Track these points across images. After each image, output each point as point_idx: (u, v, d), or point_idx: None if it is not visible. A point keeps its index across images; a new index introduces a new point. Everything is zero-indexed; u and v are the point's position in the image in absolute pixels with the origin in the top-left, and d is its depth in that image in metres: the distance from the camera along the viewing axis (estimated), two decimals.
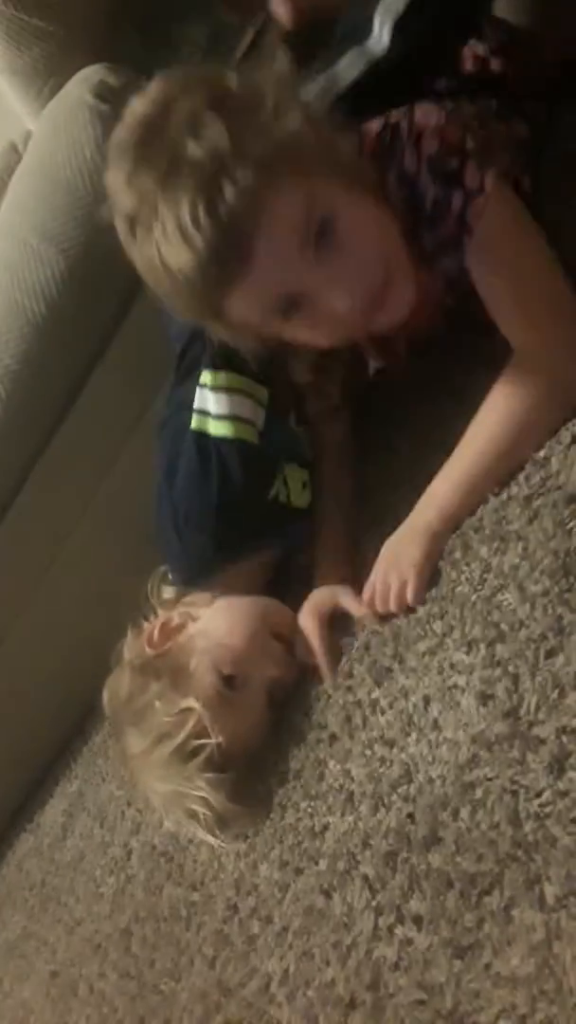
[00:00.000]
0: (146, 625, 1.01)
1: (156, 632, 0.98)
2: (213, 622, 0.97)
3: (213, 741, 0.85)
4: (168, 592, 1.06)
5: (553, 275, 0.79)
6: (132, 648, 0.99)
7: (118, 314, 1.21)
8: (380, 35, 0.86)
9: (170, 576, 1.07)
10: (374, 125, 0.82)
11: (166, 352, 1.13)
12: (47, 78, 1.28)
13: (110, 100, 1.10)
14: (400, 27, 0.84)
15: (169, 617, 1.00)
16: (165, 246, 0.72)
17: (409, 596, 0.78)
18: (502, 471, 0.76)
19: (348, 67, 0.88)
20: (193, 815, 0.85)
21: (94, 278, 1.16)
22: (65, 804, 1.42)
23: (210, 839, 0.85)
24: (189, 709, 0.86)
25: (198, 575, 1.03)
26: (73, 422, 1.25)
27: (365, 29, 0.87)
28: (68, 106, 1.12)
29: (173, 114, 0.72)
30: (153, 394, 1.19)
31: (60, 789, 1.48)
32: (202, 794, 0.84)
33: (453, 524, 0.78)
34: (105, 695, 0.99)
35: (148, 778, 0.91)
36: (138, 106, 0.77)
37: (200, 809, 0.84)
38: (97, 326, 1.21)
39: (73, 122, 1.11)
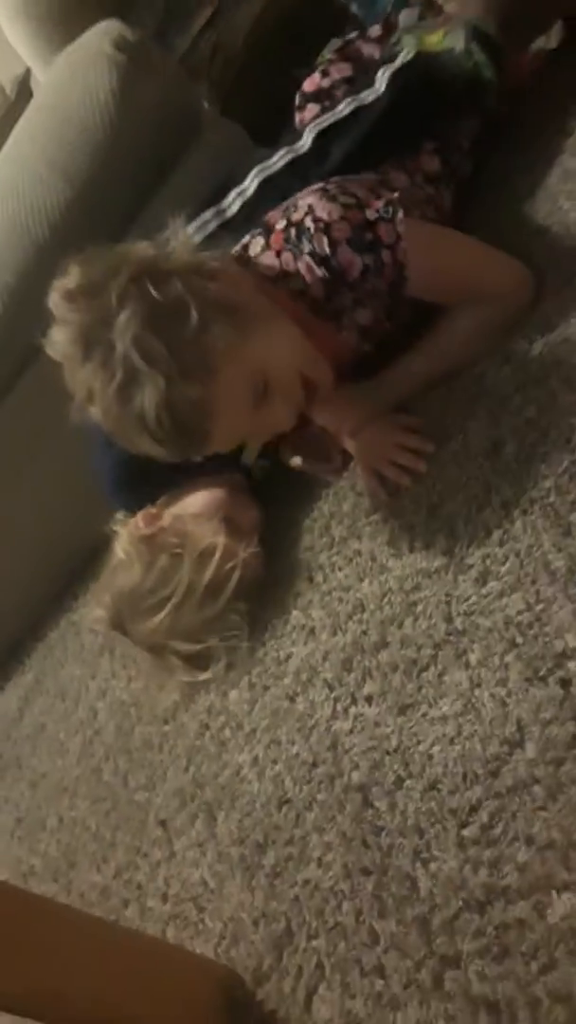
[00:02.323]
0: (124, 529, 1.14)
1: (140, 520, 1.12)
2: (187, 501, 1.12)
3: (243, 554, 1.01)
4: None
5: (476, 247, 1.00)
6: (124, 541, 1.10)
7: (114, 239, 1.35)
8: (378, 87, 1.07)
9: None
10: (278, 222, 0.96)
11: None
12: (58, 25, 1.41)
13: (127, 52, 1.24)
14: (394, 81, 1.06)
15: (145, 510, 1.15)
16: (135, 436, 0.87)
17: (419, 443, 0.95)
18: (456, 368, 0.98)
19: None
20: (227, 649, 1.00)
21: (96, 206, 1.30)
22: (20, 692, 1.54)
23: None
24: (209, 547, 1.01)
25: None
26: None
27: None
28: (88, 53, 1.26)
29: (114, 329, 0.84)
30: None
31: (12, 683, 1.60)
32: (236, 617, 1.00)
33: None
34: (105, 599, 1.09)
35: (176, 638, 1.03)
36: (74, 312, 0.86)
37: (237, 632, 1.00)
38: None
39: (91, 68, 1.25)
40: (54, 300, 0.89)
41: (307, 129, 1.10)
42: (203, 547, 1.02)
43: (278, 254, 0.96)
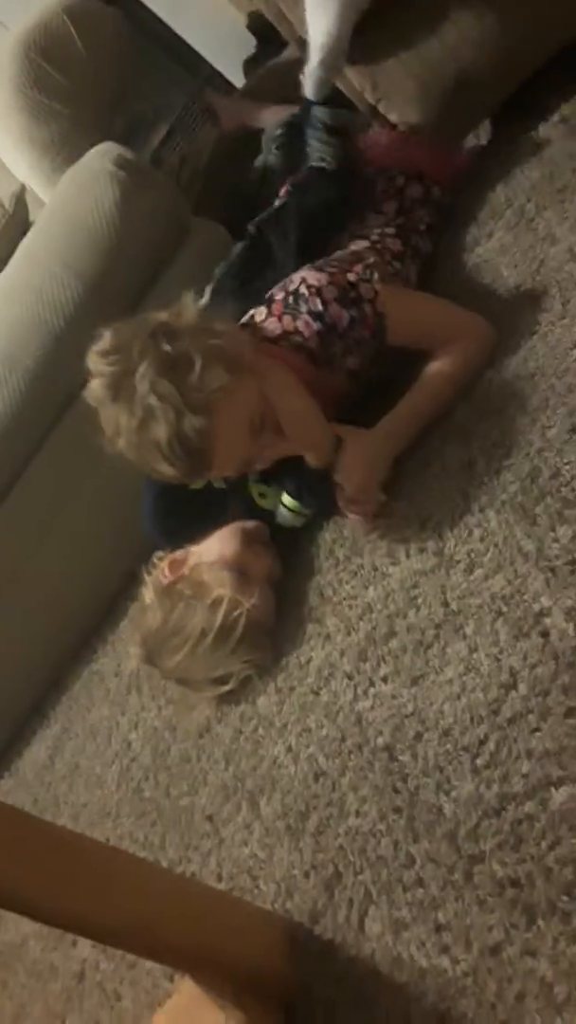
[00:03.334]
0: (153, 573, 1.29)
1: (166, 567, 1.27)
2: (206, 547, 1.29)
3: (247, 605, 1.14)
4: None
5: (441, 302, 1.23)
6: (151, 590, 1.25)
7: None
8: None
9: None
10: (278, 295, 1.20)
11: None
12: (60, 149, 1.64)
13: (125, 169, 1.47)
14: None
15: (172, 555, 1.31)
16: (153, 460, 1.09)
17: (377, 494, 1.13)
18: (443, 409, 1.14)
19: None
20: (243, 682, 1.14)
21: (104, 299, 1.50)
22: (48, 743, 1.64)
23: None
24: (218, 598, 1.16)
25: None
26: (75, 411, 1.57)
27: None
28: (92, 171, 1.48)
29: (135, 377, 1.06)
30: None
31: (38, 736, 1.70)
32: (248, 658, 1.14)
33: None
34: (137, 638, 1.24)
35: (197, 673, 1.18)
36: (106, 366, 1.10)
37: (250, 671, 1.14)
38: None
39: (96, 183, 1.47)
40: (91, 359, 1.12)
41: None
42: (212, 598, 1.16)
43: (279, 318, 1.18)
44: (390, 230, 1.33)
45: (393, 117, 1.44)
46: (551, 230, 1.17)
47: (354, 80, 1.45)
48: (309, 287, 1.17)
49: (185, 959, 0.81)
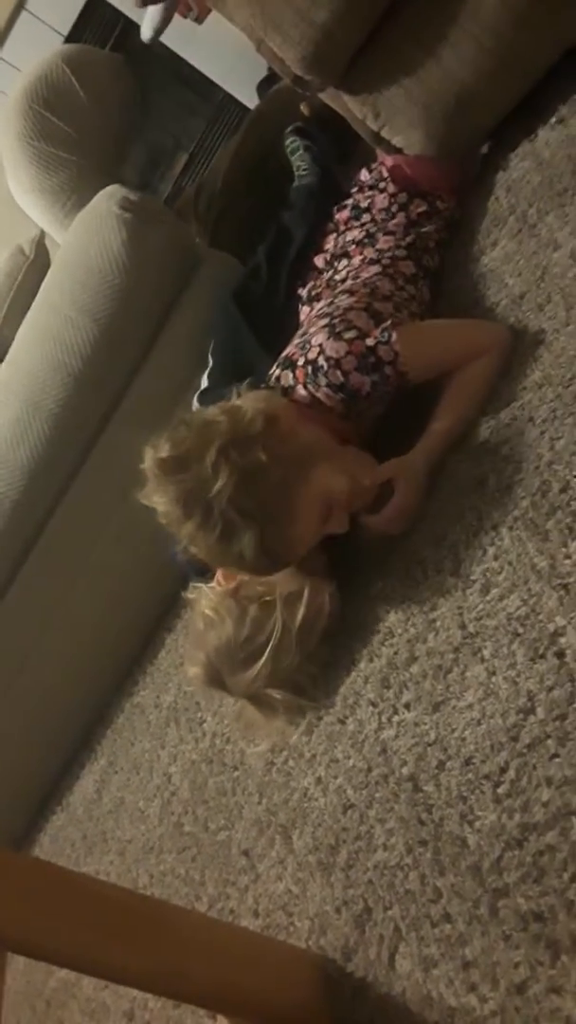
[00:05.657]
0: (202, 589, 1.22)
1: (220, 576, 1.22)
2: None
3: (329, 589, 1.11)
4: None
5: (456, 326, 1.22)
6: (209, 603, 1.17)
7: (135, 366, 1.57)
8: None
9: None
10: (298, 358, 1.18)
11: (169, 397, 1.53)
12: (70, 195, 1.68)
13: (130, 210, 1.49)
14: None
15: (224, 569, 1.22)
16: (233, 566, 1.09)
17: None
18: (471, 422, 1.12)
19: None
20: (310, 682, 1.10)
21: (118, 340, 1.53)
22: (96, 776, 1.67)
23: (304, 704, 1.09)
24: (299, 588, 1.10)
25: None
26: (99, 451, 1.59)
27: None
28: (99, 214, 1.51)
29: (211, 492, 1.02)
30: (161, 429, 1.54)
31: (87, 769, 1.73)
32: (323, 660, 1.09)
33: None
34: (200, 658, 1.15)
35: (277, 680, 1.10)
36: (174, 483, 1.05)
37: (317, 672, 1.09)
38: (119, 376, 1.57)
39: (103, 225, 1.49)
40: (150, 466, 1.08)
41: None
42: (291, 590, 1.11)
43: (304, 386, 1.18)
44: (401, 252, 1.32)
45: (397, 142, 1.44)
46: (553, 235, 1.14)
47: (355, 108, 1.45)
48: (328, 359, 1.14)
49: (218, 1002, 0.81)
